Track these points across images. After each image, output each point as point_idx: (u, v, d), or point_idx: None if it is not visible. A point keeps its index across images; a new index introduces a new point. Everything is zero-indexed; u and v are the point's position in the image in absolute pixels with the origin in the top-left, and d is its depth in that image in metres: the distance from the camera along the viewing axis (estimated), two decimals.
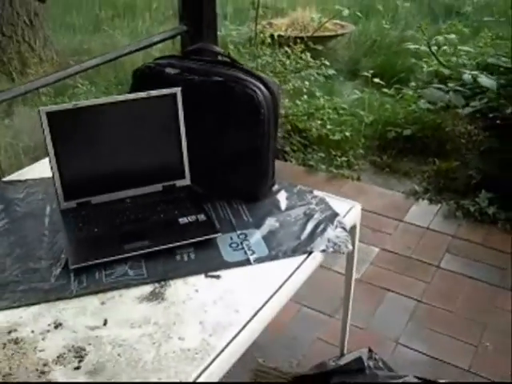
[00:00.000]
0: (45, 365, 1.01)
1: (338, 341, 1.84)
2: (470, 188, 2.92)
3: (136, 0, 6.49)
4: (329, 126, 3.28)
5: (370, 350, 1.82)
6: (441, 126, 3.42)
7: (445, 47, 3.50)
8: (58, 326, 1.10)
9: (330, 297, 2.13)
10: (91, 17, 6.08)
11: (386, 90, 3.76)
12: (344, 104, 3.61)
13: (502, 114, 2.92)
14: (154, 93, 1.40)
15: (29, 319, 1.11)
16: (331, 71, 3.62)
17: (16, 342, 1.06)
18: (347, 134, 3.25)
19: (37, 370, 1.00)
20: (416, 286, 2.27)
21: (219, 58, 1.54)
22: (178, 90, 1.41)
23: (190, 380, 0.98)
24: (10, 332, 1.08)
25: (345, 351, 1.84)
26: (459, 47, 3.60)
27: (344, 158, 3.16)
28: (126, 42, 4.64)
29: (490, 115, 3.00)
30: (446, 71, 3.40)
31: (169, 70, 1.45)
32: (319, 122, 3.31)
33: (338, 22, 5.00)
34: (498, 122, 3.03)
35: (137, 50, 2.09)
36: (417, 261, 2.41)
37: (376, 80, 3.85)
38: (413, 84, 3.69)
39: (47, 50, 4.73)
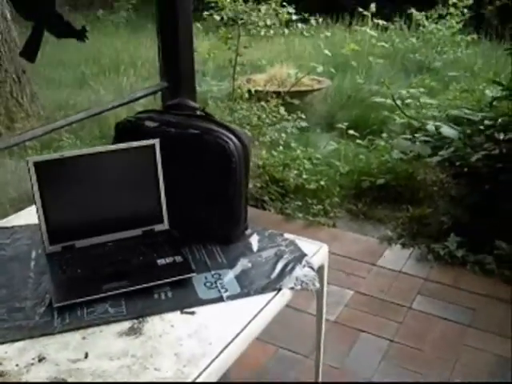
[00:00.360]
0: None
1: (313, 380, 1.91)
2: (442, 233, 3.05)
3: (121, 58, 6.73)
4: (305, 176, 3.43)
5: None
6: (413, 175, 3.59)
7: (409, 100, 3.69)
8: (41, 359, 1.17)
9: (305, 338, 2.20)
10: (77, 73, 6.29)
11: (359, 141, 3.93)
12: (319, 155, 3.77)
13: (467, 162, 3.08)
14: (134, 144, 1.52)
15: (14, 354, 1.18)
16: (304, 124, 3.80)
17: (1, 374, 1.13)
18: (322, 183, 3.39)
19: None
20: (389, 326, 2.36)
21: (197, 112, 1.67)
22: (156, 142, 1.53)
23: None
24: None
25: None
26: (423, 100, 3.79)
27: (320, 206, 3.29)
28: (111, 97, 4.81)
29: (457, 163, 3.15)
30: (415, 123, 3.59)
31: (148, 123, 1.58)
32: (295, 171, 3.45)
33: (315, 77, 5.23)
34: (465, 169, 3.19)
35: (120, 105, 2.22)
36: (390, 303, 2.50)
37: (351, 132, 4.04)
38: (384, 135, 3.86)
39: (34, 105, 4.88)
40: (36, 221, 1.48)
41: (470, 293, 2.58)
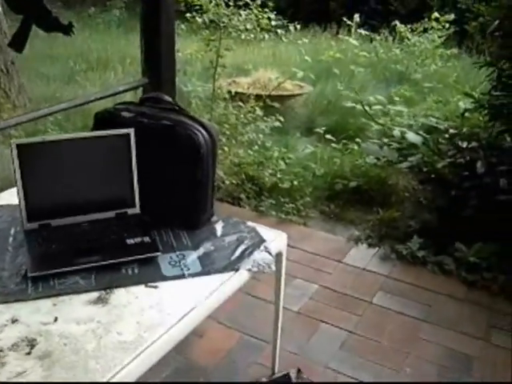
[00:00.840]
0: (0, 351, 1.20)
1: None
2: (408, 235, 3.19)
3: (110, 55, 6.84)
4: (279, 176, 3.57)
5: (299, 371, 2.02)
6: (385, 180, 3.73)
7: (378, 107, 3.85)
8: (14, 321, 1.29)
9: (270, 326, 2.33)
10: (65, 69, 6.38)
11: (334, 145, 4.08)
12: (296, 157, 3.91)
13: (434, 168, 3.23)
14: (110, 132, 1.65)
15: None
16: (277, 124, 3.95)
17: None
18: (296, 183, 3.53)
19: None
20: (349, 319, 2.49)
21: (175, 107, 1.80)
22: (131, 131, 1.65)
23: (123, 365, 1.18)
24: None
25: (276, 371, 2.03)
26: (398, 108, 3.96)
27: (292, 205, 3.42)
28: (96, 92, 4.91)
29: (425, 169, 3.31)
30: (386, 129, 3.74)
31: (125, 114, 1.71)
32: (270, 171, 3.59)
33: (297, 83, 5.39)
34: (432, 175, 3.35)
35: (102, 98, 2.34)
36: (352, 297, 2.64)
37: (328, 136, 4.19)
38: (359, 140, 4.01)
39: (21, 96, 4.98)
40: (16, 201, 1.60)
41: (427, 290, 2.72)
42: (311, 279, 2.75)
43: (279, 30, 4.48)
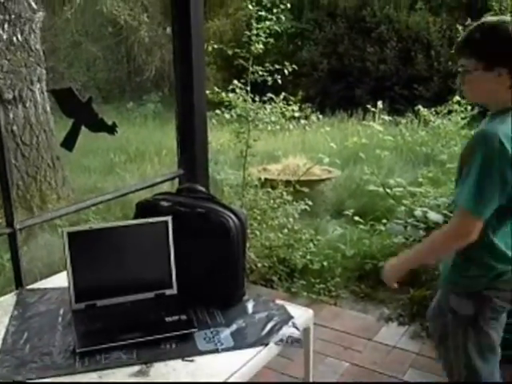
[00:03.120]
0: None
1: None
2: None
3: (147, 147, 7.23)
4: (310, 257, 3.69)
5: None
6: None
7: (400, 188, 3.99)
8: None
9: None
10: (106, 160, 6.78)
11: (363, 226, 4.21)
12: (325, 239, 4.05)
13: None
14: (150, 220, 1.83)
15: None
16: (304, 207, 4.11)
17: None
18: (325, 264, 3.64)
19: None
20: None
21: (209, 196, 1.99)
22: (169, 219, 1.84)
23: None
24: None
25: None
26: (423, 189, 4.09)
27: (323, 286, 3.52)
28: (135, 183, 5.21)
29: None
30: (408, 209, 3.86)
31: (163, 203, 1.90)
32: (300, 253, 3.73)
33: (326, 167, 5.61)
34: None
35: (142, 189, 2.56)
36: (382, 374, 2.68)
37: (356, 218, 4.33)
38: (384, 221, 4.13)
39: (65, 188, 5.32)
40: (62, 284, 1.77)
41: None
42: (342, 357, 2.81)
43: (302, 121, 4.76)
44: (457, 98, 6.81)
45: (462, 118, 6.74)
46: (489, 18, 1.82)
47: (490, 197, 1.66)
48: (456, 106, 6.64)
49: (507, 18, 1.79)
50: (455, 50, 1.81)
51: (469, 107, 6.60)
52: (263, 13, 4.15)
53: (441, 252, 1.86)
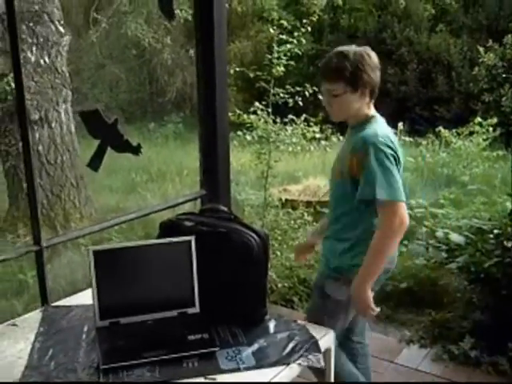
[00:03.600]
0: None
1: None
2: (461, 335, 3.21)
3: (168, 167, 7.31)
4: None
5: None
6: (435, 281, 3.79)
7: (421, 210, 3.98)
8: None
9: None
10: (127, 180, 6.87)
11: None
12: None
13: (482, 267, 3.29)
14: (174, 239, 1.86)
15: None
16: None
17: None
18: None
19: None
20: None
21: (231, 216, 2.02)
22: (192, 238, 1.86)
23: None
24: None
25: None
26: (445, 211, 4.08)
27: None
28: (157, 202, 5.27)
29: (473, 269, 3.37)
30: (430, 231, 3.85)
31: (186, 223, 1.93)
32: None
33: None
34: (481, 275, 3.39)
35: (164, 209, 2.60)
36: None
37: None
38: (405, 242, 4.11)
39: (88, 207, 5.40)
40: (86, 301, 1.80)
41: None
42: None
43: (323, 142, 4.80)
44: (478, 119, 6.82)
45: (484, 140, 6.74)
46: (345, 47, 2.05)
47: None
48: (477, 128, 6.64)
49: (359, 47, 2.05)
50: (321, 75, 2.07)
51: (490, 128, 6.60)
52: (284, 36, 4.21)
53: (391, 251, 2.11)
